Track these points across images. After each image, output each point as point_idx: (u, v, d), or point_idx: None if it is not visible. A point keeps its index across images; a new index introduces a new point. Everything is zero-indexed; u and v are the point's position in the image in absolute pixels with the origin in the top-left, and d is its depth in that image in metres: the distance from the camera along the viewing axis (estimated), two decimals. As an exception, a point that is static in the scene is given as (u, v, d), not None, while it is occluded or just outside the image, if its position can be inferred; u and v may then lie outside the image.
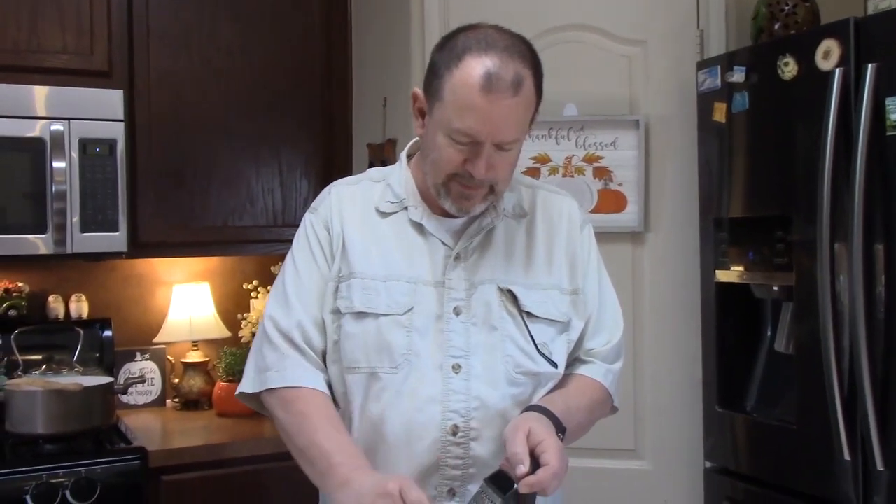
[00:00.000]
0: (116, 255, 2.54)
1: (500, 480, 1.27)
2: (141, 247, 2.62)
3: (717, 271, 2.21)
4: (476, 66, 1.31)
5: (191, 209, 2.69)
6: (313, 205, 1.53)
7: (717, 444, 2.22)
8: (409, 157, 1.53)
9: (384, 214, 1.48)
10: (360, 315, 1.41)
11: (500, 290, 1.44)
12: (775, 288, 2.08)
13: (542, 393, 1.45)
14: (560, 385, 1.48)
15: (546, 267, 1.48)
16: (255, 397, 1.47)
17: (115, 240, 2.49)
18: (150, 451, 2.29)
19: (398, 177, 1.50)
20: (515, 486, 1.24)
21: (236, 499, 2.36)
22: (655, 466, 2.41)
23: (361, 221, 1.48)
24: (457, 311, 1.42)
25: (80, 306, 2.75)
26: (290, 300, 1.45)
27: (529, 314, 1.44)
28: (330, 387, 1.46)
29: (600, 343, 1.52)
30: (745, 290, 2.17)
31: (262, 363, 1.46)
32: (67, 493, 2.16)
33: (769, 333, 2.21)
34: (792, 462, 1.99)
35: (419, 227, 1.46)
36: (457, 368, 1.40)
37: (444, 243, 1.45)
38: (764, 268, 2.09)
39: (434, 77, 1.37)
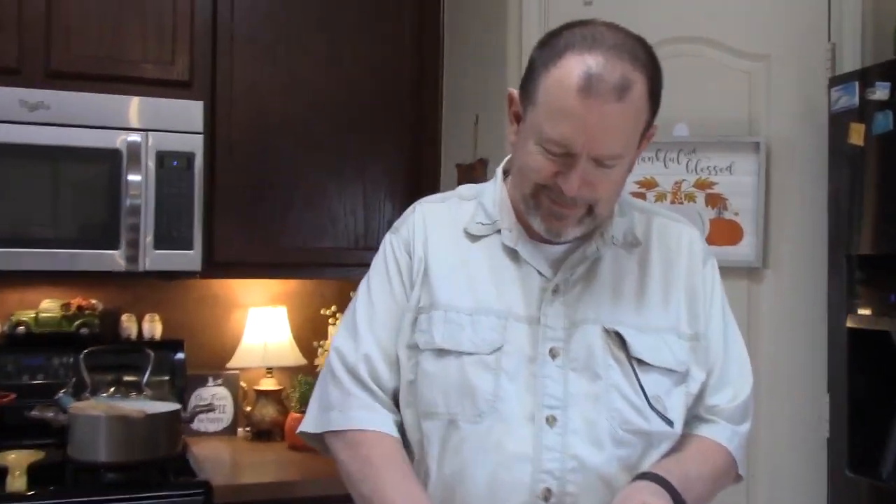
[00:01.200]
0: (190, 274, 2.42)
1: None
2: (216, 266, 2.49)
3: (848, 315, 1.94)
4: (576, 66, 1.11)
5: (270, 228, 2.56)
6: (395, 224, 1.36)
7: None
8: (506, 173, 1.33)
9: (474, 238, 1.29)
10: (441, 352, 1.23)
11: (606, 331, 1.23)
12: (920, 336, 1.80)
13: (654, 457, 1.23)
14: (676, 448, 1.26)
15: (662, 306, 1.26)
16: (319, 438, 1.30)
17: (190, 258, 2.37)
18: (214, 485, 2.14)
19: (492, 195, 1.31)
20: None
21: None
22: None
23: (448, 244, 1.29)
24: (553, 354, 1.21)
25: (153, 326, 2.65)
26: (360, 331, 1.28)
27: (640, 361, 1.22)
28: (403, 433, 1.27)
29: (725, 399, 1.30)
30: (883, 337, 1.89)
31: (325, 401, 1.29)
32: (129, 527, 2.02)
33: (910, 388, 1.93)
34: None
35: (513, 254, 1.26)
36: (552, 421, 1.20)
37: (540, 273, 1.25)
38: (906, 313, 1.82)
39: (530, 77, 1.18)
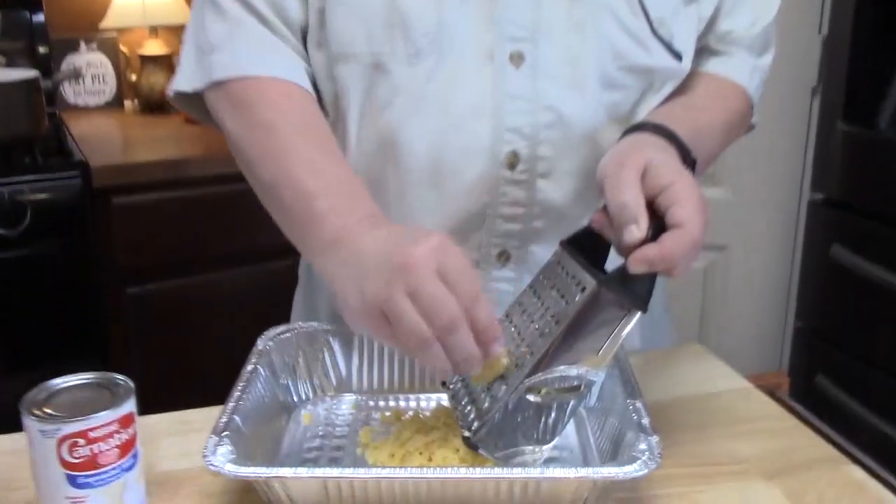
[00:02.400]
0: None
1: (588, 248, 0.75)
2: None
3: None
4: None
5: None
6: None
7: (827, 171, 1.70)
8: None
9: None
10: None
11: (595, -78, 0.84)
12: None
13: (653, 103, 0.91)
14: (681, 91, 0.93)
15: None
16: (198, 101, 0.92)
17: None
18: (93, 166, 1.78)
19: None
20: (616, 264, 0.72)
21: (205, 225, 1.88)
22: (738, 196, 1.91)
23: None
24: (517, -39, 0.83)
25: (-3, -22, 2.11)
26: None
27: (640, -30, 0.85)
28: (316, 88, 0.91)
29: (744, 23, 0.95)
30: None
31: (203, 41, 0.89)
32: (-10, 217, 1.68)
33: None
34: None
35: None
36: (517, 59, 0.85)
37: None
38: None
39: None
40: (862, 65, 1.65)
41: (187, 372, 1.84)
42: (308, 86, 0.89)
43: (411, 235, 0.69)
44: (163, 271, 1.87)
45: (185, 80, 0.91)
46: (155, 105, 2.29)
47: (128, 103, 2.36)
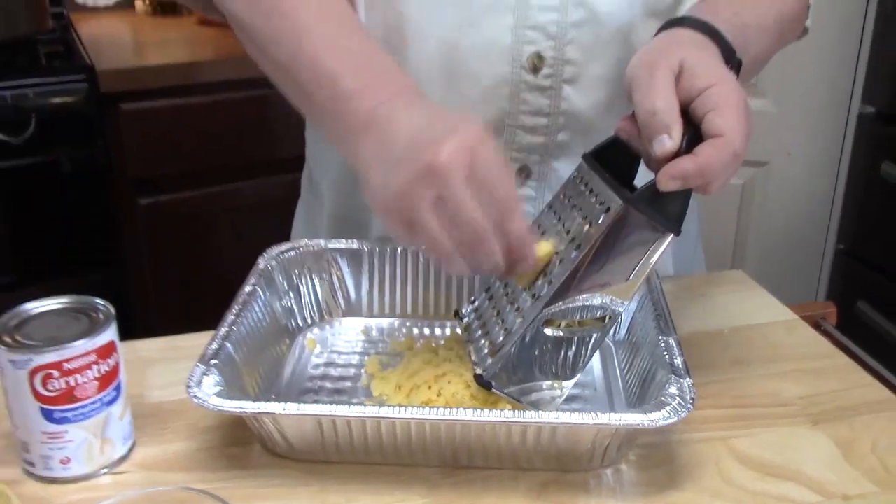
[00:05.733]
0: None
1: (615, 162, 0.66)
2: None
3: None
4: None
5: None
6: None
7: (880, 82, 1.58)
8: None
9: None
10: None
11: None
12: None
13: (696, -2, 0.80)
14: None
15: None
16: None
17: None
18: (100, 70, 1.69)
19: None
20: (647, 179, 0.63)
21: (219, 132, 1.80)
22: (780, 108, 1.79)
23: None
24: None
25: None
26: None
27: None
28: None
29: None
30: None
31: None
32: (-8, 124, 1.61)
33: None
34: None
35: None
36: (546, -54, 0.74)
37: None
38: None
39: None
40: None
41: (200, 287, 1.78)
42: None
43: (446, 123, 0.59)
44: (175, 181, 1.80)
45: None
46: (167, 6, 2.19)
47: (139, 4, 2.25)
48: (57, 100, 1.65)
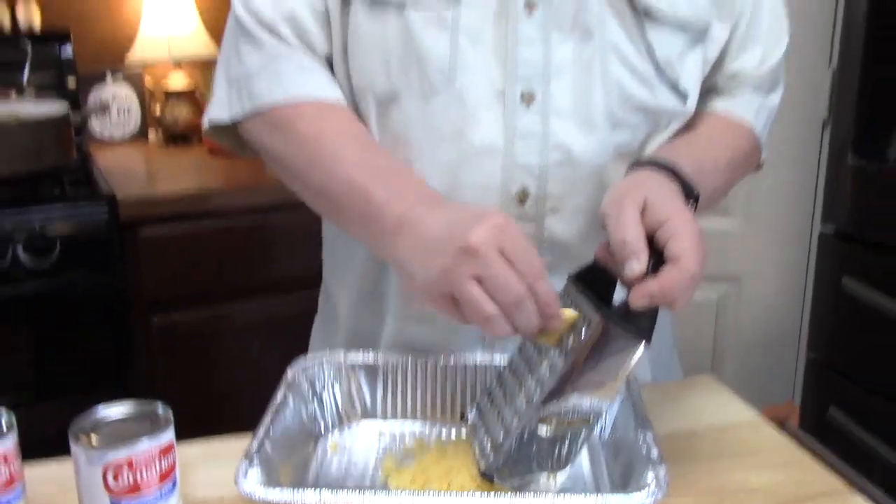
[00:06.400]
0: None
1: (595, 282, 0.78)
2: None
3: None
4: None
5: None
6: None
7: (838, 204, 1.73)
8: None
9: None
10: (378, 4, 0.88)
11: (603, -29, 0.89)
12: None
13: (659, 141, 0.95)
14: (687, 129, 0.97)
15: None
16: (232, 132, 0.97)
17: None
18: (120, 198, 1.83)
19: None
20: (622, 295, 0.76)
21: (230, 255, 1.93)
22: (750, 228, 1.94)
23: None
24: (529, 6, 0.88)
25: (29, 11, 2.18)
26: None
27: (648, 13, 0.89)
28: None
29: (752, 63, 0.99)
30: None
31: (239, 72, 0.93)
32: (19, 248, 1.73)
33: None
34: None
35: None
36: (528, 98, 0.89)
37: None
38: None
39: None
40: (872, 97, 1.68)
41: (212, 400, 1.88)
42: (345, 102, 0.93)
43: (471, 216, 0.73)
44: (188, 301, 1.92)
45: (221, 110, 0.95)
46: (178, 136, 2.35)
47: (152, 136, 2.42)
48: (80, 226, 1.78)
